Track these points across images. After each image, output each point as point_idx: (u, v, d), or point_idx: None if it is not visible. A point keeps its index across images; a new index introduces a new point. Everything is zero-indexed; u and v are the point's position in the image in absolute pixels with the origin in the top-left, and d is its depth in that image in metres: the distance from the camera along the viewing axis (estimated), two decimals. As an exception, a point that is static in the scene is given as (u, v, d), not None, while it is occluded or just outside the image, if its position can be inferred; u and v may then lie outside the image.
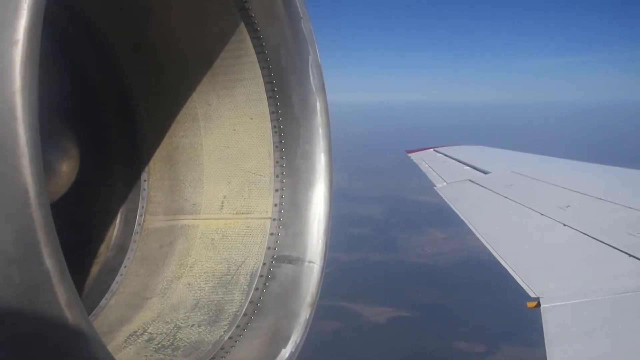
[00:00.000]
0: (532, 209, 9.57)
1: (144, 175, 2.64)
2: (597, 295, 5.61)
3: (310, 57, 2.29)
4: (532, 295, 5.92)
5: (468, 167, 14.78)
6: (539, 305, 5.61)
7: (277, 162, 2.40)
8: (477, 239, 8.74)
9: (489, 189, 11.86)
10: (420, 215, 68.13)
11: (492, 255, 7.64)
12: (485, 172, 13.69)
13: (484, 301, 42.61)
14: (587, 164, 14.59)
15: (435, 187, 13.40)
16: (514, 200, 10.49)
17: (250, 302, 2.25)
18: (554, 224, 8.51)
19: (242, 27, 2.28)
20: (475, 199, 11.70)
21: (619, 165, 13.19)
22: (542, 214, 9.14)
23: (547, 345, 4.73)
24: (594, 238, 7.43)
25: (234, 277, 2.33)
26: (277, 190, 2.40)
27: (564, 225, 8.31)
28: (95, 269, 2.51)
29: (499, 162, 15.01)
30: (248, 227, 2.41)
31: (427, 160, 16.83)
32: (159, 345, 2.13)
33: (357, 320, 40.30)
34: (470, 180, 13.14)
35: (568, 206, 9.30)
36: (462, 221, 9.99)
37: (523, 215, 9.49)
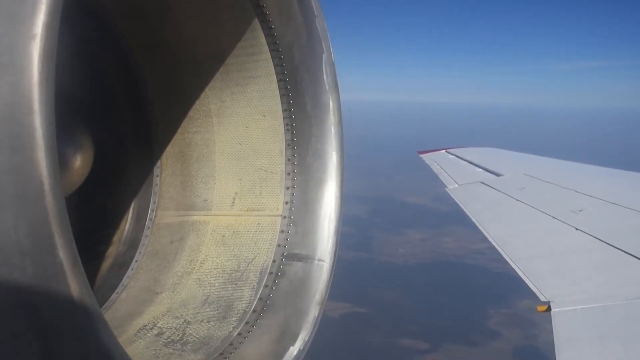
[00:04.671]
0: (544, 213, 9.48)
1: (156, 171, 2.65)
2: (609, 301, 5.54)
3: (324, 55, 2.29)
4: (543, 299, 5.87)
5: (480, 169, 14.66)
6: (549, 309, 5.56)
7: (288, 159, 2.41)
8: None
9: (501, 192, 11.76)
10: (403, 216, 68.38)
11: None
12: (497, 175, 13.58)
13: (438, 301, 43.64)
14: (601, 168, 14.42)
15: (446, 189, 13.32)
16: (526, 204, 10.40)
17: (260, 299, 2.26)
18: (567, 228, 8.43)
19: (257, 24, 2.28)
20: (487, 201, 11.61)
21: (634, 170, 13.01)
22: (554, 218, 9.05)
23: (557, 350, 4.69)
24: (606, 243, 7.35)
25: (244, 273, 2.34)
26: (288, 188, 2.40)
27: (577, 229, 8.22)
28: (106, 263, 2.53)
29: (511, 165, 14.88)
30: (259, 224, 2.42)
31: (439, 162, 16.72)
32: (169, 340, 2.14)
33: (311, 314, 41.07)
34: (482, 183, 13.05)
35: (581, 210, 9.20)
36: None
37: (535, 218, 9.40)
